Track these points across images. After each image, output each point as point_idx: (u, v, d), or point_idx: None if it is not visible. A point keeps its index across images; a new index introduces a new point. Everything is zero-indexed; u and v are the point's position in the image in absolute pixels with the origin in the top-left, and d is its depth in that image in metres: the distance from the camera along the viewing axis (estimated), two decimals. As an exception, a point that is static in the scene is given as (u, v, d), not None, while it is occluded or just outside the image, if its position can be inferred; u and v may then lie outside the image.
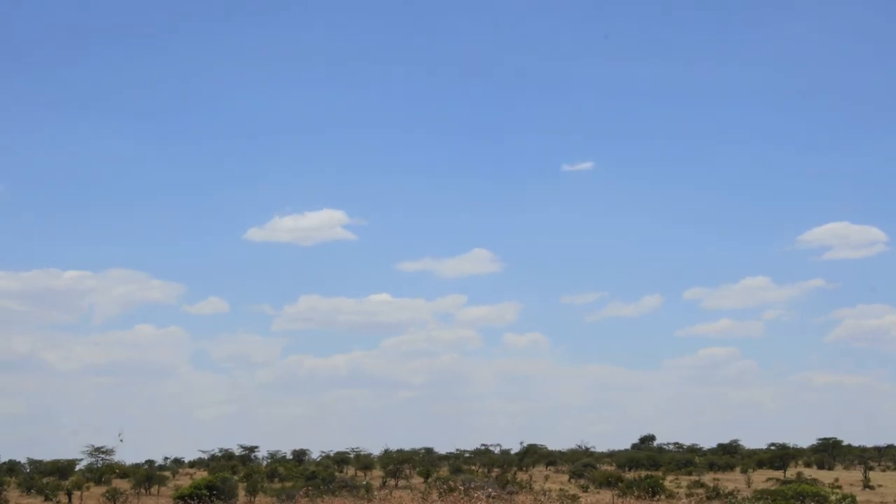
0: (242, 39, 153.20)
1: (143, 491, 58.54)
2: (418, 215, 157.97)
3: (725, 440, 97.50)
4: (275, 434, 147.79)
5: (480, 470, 74.90)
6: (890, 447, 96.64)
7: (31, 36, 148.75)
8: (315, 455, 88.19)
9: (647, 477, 52.49)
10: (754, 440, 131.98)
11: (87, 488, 59.37)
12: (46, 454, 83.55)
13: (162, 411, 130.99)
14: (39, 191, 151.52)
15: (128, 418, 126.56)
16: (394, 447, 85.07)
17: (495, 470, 73.35)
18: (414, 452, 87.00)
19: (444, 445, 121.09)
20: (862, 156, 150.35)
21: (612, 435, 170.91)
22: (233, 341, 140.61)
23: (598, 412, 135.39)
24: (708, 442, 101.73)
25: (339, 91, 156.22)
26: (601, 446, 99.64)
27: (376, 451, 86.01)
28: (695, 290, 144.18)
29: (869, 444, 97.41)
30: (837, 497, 42.27)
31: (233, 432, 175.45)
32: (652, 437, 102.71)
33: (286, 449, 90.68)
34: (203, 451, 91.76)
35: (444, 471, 68.82)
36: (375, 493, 49.77)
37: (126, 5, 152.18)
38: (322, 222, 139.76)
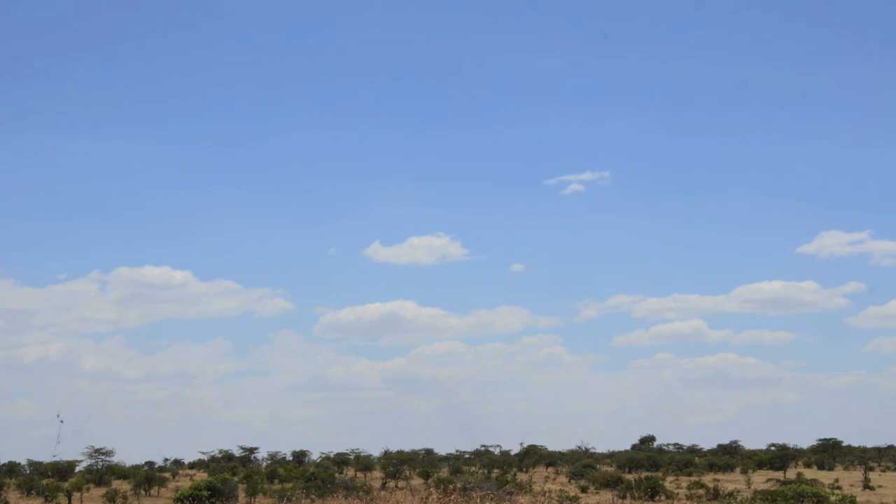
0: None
1: (142, 492, 58.50)
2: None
3: (725, 441, 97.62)
4: (304, 435, 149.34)
5: (480, 471, 74.88)
6: (890, 447, 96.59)
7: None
8: (315, 456, 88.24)
9: (647, 478, 52.44)
10: (754, 441, 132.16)
11: (87, 490, 59.32)
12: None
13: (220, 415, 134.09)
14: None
15: (166, 422, 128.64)
16: (394, 448, 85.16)
17: (495, 471, 73.35)
18: (414, 453, 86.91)
19: (444, 446, 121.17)
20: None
21: (613, 436, 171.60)
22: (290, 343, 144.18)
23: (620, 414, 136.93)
24: (708, 443, 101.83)
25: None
26: (601, 447, 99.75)
27: (376, 452, 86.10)
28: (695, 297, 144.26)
29: (869, 445, 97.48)
30: (837, 498, 42.22)
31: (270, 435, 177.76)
32: (652, 438, 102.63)
33: (286, 450, 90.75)
34: (203, 453, 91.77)
35: (445, 472, 68.79)
36: (375, 493, 49.77)
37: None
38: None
